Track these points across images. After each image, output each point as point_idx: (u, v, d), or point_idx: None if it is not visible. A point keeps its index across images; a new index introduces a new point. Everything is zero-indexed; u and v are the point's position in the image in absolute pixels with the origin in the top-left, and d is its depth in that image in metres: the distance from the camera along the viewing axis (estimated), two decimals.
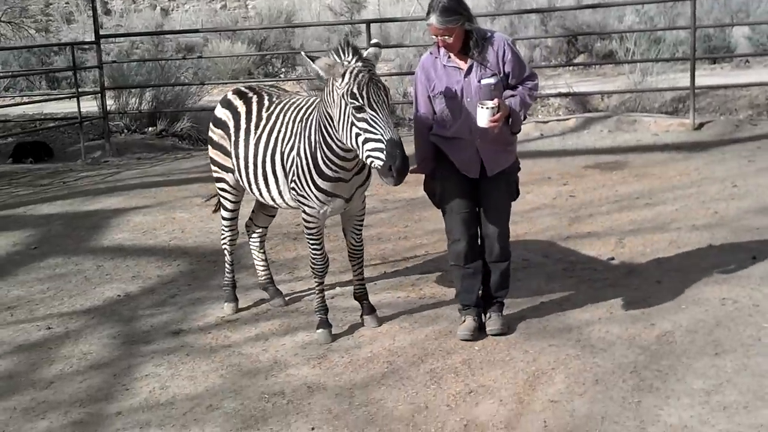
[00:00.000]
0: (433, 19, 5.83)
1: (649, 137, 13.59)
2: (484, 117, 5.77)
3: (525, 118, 6.38)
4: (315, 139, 6.02)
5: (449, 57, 6.06)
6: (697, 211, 9.12)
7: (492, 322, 6.30)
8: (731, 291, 6.77)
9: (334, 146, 5.89)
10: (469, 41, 5.98)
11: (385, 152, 5.41)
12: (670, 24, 23.79)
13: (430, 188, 6.40)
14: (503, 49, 6.02)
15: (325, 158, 5.98)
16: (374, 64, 5.70)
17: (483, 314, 6.39)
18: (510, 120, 6.03)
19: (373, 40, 6.25)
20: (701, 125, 13.78)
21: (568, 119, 15.07)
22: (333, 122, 5.76)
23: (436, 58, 6.12)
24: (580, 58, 22.99)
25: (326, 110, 5.81)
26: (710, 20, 23.87)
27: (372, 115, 5.46)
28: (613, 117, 14.68)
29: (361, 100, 5.45)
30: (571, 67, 21.63)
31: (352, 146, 5.63)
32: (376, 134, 5.45)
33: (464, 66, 6.03)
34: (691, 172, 10.99)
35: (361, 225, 6.67)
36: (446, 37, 5.88)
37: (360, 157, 5.65)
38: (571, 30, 22.93)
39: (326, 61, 5.59)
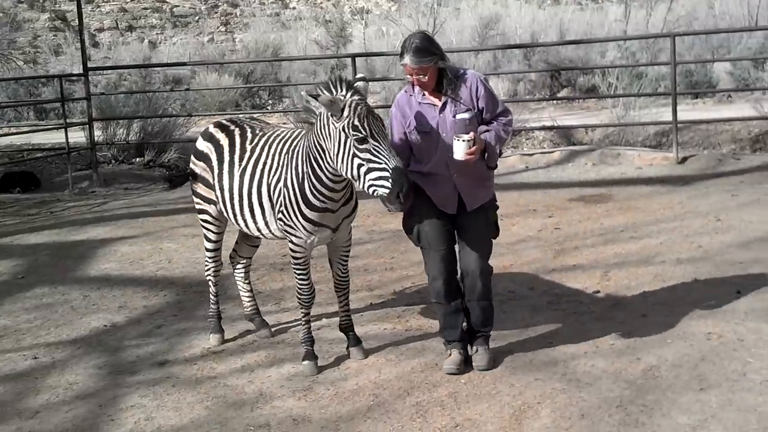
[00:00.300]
0: (408, 59, 5.94)
1: (633, 171, 13.69)
2: (460, 150, 5.82)
3: (501, 153, 6.43)
4: (303, 170, 6.07)
5: (424, 94, 6.14)
6: (681, 244, 9.18)
7: (478, 358, 6.29)
8: (716, 325, 6.80)
9: (324, 177, 5.96)
10: (442, 79, 6.07)
11: (390, 180, 5.53)
12: (653, 59, 24.02)
13: (408, 226, 6.39)
14: (476, 85, 6.12)
15: (313, 189, 6.04)
16: (366, 96, 5.84)
17: (468, 347, 6.39)
18: (486, 154, 6.07)
19: (359, 75, 6.31)
20: (684, 159, 13.89)
21: (552, 152, 15.18)
22: (326, 155, 5.85)
23: (411, 95, 6.20)
24: (563, 93, 23.16)
25: (318, 143, 5.88)
26: (691, 56, 24.16)
27: (375, 145, 5.61)
28: (597, 150, 14.80)
29: (363, 132, 5.60)
30: (554, 101, 21.78)
31: (353, 177, 5.71)
32: (381, 164, 5.58)
33: (438, 102, 6.12)
34: (675, 206, 11.06)
35: (347, 256, 6.70)
36: (420, 75, 5.98)
37: (360, 187, 5.74)
38: (554, 65, 23.12)
39: (329, 98, 5.67)
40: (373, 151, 5.59)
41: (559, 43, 22.47)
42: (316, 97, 5.77)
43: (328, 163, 5.87)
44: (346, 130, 5.63)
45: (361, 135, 5.59)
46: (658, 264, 8.54)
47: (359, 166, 5.64)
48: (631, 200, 11.61)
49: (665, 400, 5.59)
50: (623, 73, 19.99)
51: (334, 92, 5.74)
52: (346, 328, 6.75)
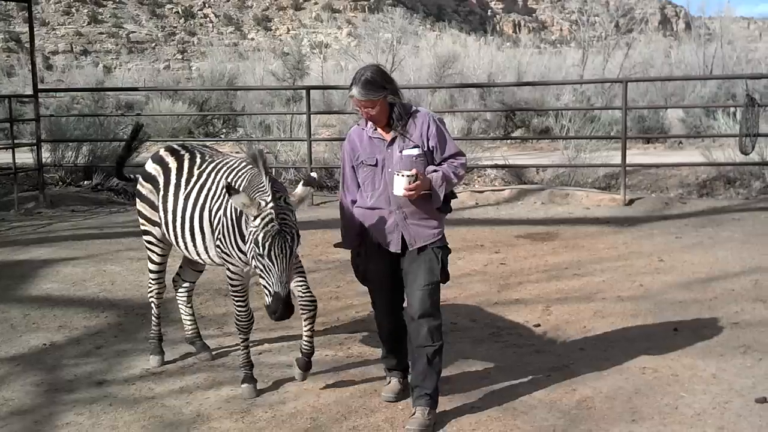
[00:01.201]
0: (355, 91, 5.86)
1: (581, 211, 13.87)
2: (400, 185, 5.69)
3: (454, 195, 6.29)
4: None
5: (375, 129, 6.05)
6: (623, 283, 9.30)
7: (412, 421, 5.81)
8: (652, 361, 6.91)
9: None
10: (392, 114, 5.96)
11: (270, 301, 5.62)
12: (608, 104, 24.34)
13: (355, 264, 6.36)
14: (428, 123, 5.97)
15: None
16: (294, 208, 5.84)
17: (407, 376, 6.29)
18: (432, 194, 5.92)
19: (313, 173, 6.24)
20: (632, 201, 14.11)
21: (503, 190, 15.35)
22: (243, 234, 5.98)
23: (362, 129, 6.12)
24: (517, 133, 23.41)
25: (243, 215, 5.94)
26: (645, 102, 24.48)
27: (268, 265, 5.61)
28: (547, 190, 14.99)
29: (261, 250, 5.59)
30: (508, 141, 21.99)
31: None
32: (268, 281, 5.63)
33: (388, 137, 5.99)
34: (620, 246, 11.20)
35: (303, 276, 6.54)
36: (369, 109, 5.89)
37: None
38: (509, 105, 23.36)
39: (243, 200, 5.64)
40: (264, 269, 5.63)
41: (515, 84, 22.75)
42: (231, 191, 5.67)
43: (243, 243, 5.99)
44: (251, 237, 5.67)
45: (258, 251, 5.60)
46: (599, 300, 8.65)
47: (255, 267, 5.73)
48: (578, 239, 11.74)
49: (597, 430, 5.67)
50: (576, 116, 20.28)
51: (259, 195, 5.74)
52: (306, 353, 6.51)
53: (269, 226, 5.55)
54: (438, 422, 5.86)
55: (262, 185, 5.75)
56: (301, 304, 6.45)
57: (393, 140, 5.96)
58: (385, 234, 6.01)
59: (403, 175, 5.69)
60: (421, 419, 5.78)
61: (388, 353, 6.41)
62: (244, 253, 6.05)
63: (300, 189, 5.89)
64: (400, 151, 5.92)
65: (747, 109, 13.69)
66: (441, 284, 6.08)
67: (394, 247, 6.00)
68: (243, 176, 6.27)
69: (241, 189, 6.01)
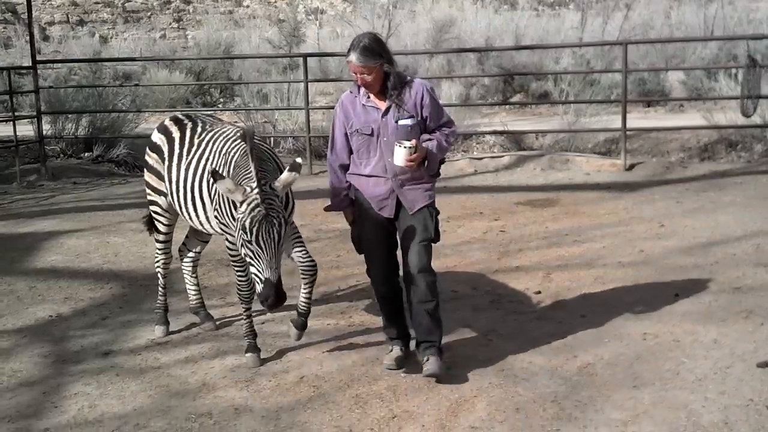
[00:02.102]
0: (353, 56, 5.97)
1: (581, 176, 13.88)
2: (401, 156, 5.86)
3: (443, 161, 6.46)
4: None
5: (368, 97, 6.16)
6: (623, 249, 9.33)
7: (429, 363, 6.07)
8: (653, 326, 6.95)
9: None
10: (387, 83, 6.09)
11: (261, 287, 5.63)
12: (607, 67, 24.20)
13: (352, 232, 6.51)
14: (422, 93, 6.13)
15: None
16: (280, 193, 5.82)
17: (416, 348, 6.36)
18: (426, 162, 6.08)
19: (298, 159, 6.15)
20: (632, 166, 14.11)
21: (502, 156, 15.33)
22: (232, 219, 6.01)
23: (355, 96, 6.22)
24: (516, 98, 23.29)
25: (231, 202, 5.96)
26: (645, 64, 24.36)
27: (257, 251, 5.62)
28: (547, 156, 14.97)
29: (249, 236, 5.60)
30: (507, 106, 21.91)
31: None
32: (258, 268, 5.64)
33: (382, 106, 6.12)
34: (620, 211, 11.23)
35: (301, 242, 6.66)
36: (365, 75, 6.00)
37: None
38: (507, 70, 23.26)
39: (228, 186, 5.65)
40: (253, 255, 5.64)
41: (514, 48, 22.54)
42: (216, 177, 5.68)
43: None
44: (238, 224, 5.69)
45: (246, 237, 5.61)
46: (600, 267, 8.69)
47: (245, 254, 5.72)
48: (578, 205, 11.77)
49: (599, 397, 5.71)
50: (576, 80, 20.18)
51: (245, 182, 5.78)
52: (302, 313, 6.62)
53: (255, 211, 5.56)
54: (439, 386, 5.95)
55: (248, 170, 5.78)
56: (301, 269, 6.57)
57: (387, 109, 6.08)
58: (380, 200, 6.19)
59: (404, 147, 5.82)
60: (435, 363, 6.05)
61: (387, 321, 6.49)
62: None
63: (285, 175, 5.86)
64: (396, 121, 6.05)
65: (748, 70, 13.65)
66: (434, 244, 6.30)
67: (388, 213, 6.20)
68: (238, 147, 6.27)
69: (232, 166, 6.11)
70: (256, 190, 5.60)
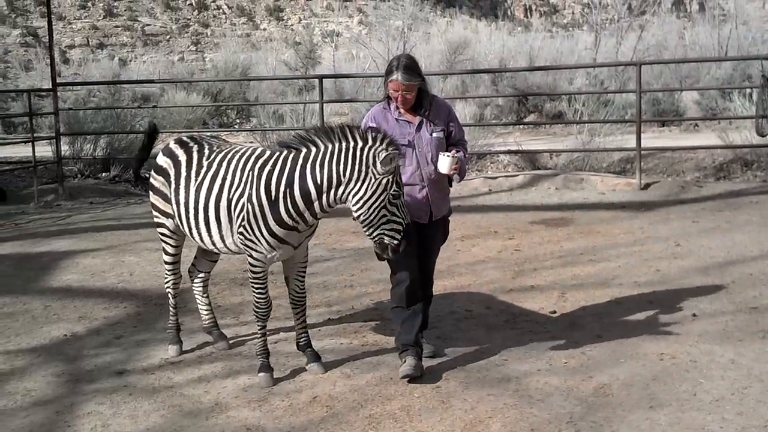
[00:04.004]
0: (399, 76, 6.36)
1: (596, 196, 13.84)
2: (447, 164, 6.37)
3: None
4: (282, 190, 6.15)
5: (400, 112, 6.53)
6: (639, 268, 9.29)
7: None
8: (669, 347, 6.90)
9: (316, 204, 6.16)
10: (421, 99, 6.52)
11: (402, 233, 6.05)
12: (622, 87, 24.22)
13: None
14: (448, 109, 6.81)
15: (290, 209, 6.16)
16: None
17: (421, 355, 6.53)
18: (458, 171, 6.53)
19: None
20: (647, 186, 14.06)
21: (516, 176, 15.31)
22: (338, 188, 6.08)
23: (385, 110, 6.57)
24: (530, 118, 23.32)
25: (338, 176, 6.05)
26: (659, 84, 24.37)
27: (401, 203, 6.09)
28: (561, 175, 14.94)
29: (400, 191, 6.06)
30: (521, 126, 21.95)
31: (369, 222, 6.04)
32: (399, 218, 6.05)
33: (414, 121, 6.54)
34: (636, 231, 11.19)
35: (305, 272, 6.82)
36: (406, 92, 6.40)
37: (368, 232, 6.10)
38: (521, 90, 23.30)
39: (391, 157, 5.92)
40: (399, 206, 6.04)
41: (527, 69, 22.63)
42: (393, 156, 5.94)
43: (337, 195, 6.10)
44: (387, 186, 5.96)
45: (399, 193, 6.01)
46: (616, 287, 8.64)
47: (383, 216, 6.01)
48: (593, 224, 11.73)
49: (615, 418, 5.67)
50: (590, 100, 20.18)
51: (376, 144, 6.00)
52: (304, 344, 6.84)
53: (398, 169, 6.05)
54: (453, 407, 5.91)
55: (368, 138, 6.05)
56: (296, 299, 6.83)
57: (420, 124, 6.53)
58: (416, 207, 6.56)
59: (451, 156, 6.38)
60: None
61: (402, 328, 6.56)
62: (274, 237, 6.24)
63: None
64: (431, 134, 6.57)
65: (763, 90, 13.64)
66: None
67: (424, 219, 6.64)
68: (264, 163, 6.32)
69: (263, 179, 6.26)
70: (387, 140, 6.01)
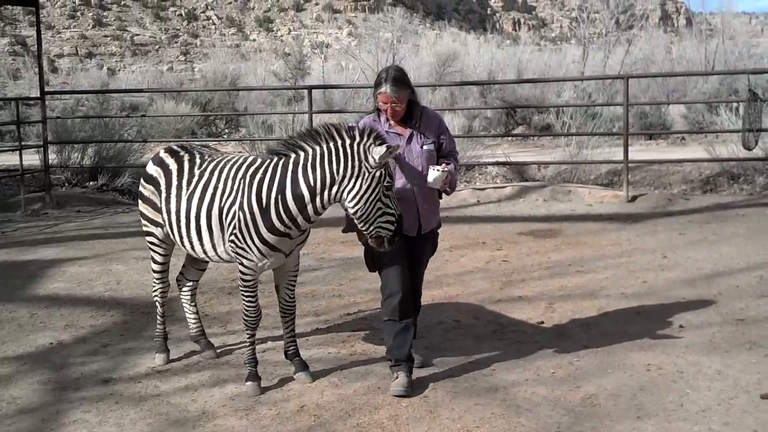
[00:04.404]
0: (387, 88, 6.32)
1: (583, 207, 13.89)
2: (438, 178, 6.35)
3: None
4: (274, 197, 6.18)
5: (390, 124, 6.50)
6: (626, 280, 9.31)
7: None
8: (656, 358, 6.91)
9: (310, 206, 6.18)
10: (412, 111, 6.50)
11: (396, 224, 6.13)
12: (609, 100, 24.32)
13: (366, 254, 6.68)
14: (439, 121, 6.73)
15: (282, 214, 6.18)
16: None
17: (412, 370, 6.50)
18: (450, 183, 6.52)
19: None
20: (635, 198, 14.11)
21: (504, 187, 15.36)
22: (333, 188, 6.11)
23: (376, 123, 6.51)
24: (518, 130, 23.39)
25: (331, 176, 6.09)
26: (646, 98, 24.48)
27: (393, 194, 6.16)
28: (549, 187, 14.99)
29: (392, 182, 6.15)
30: (509, 138, 21.99)
31: (365, 217, 6.08)
32: (392, 210, 6.12)
33: (404, 133, 6.50)
34: (623, 243, 11.22)
35: (295, 281, 6.81)
36: (395, 104, 6.37)
37: (364, 226, 6.12)
38: (509, 102, 23.37)
39: (389, 152, 5.99)
40: (392, 197, 6.12)
41: (516, 81, 22.69)
42: (388, 148, 6.01)
43: (331, 195, 6.13)
44: (381, 179, 6.03)
45: (391, 184, 6.10)
46: (603, 298, 8.66)
47: (379, 209, 6.08)
48: (580, 236, 11.76)
49: (602, 428, 5.68)
50: (578, 113, 20.25)
51: (364, 139, 6.05)
52: (292, 354, 6.83)
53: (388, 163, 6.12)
54: (441, 416, 5.90)
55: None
56: (286, 308, 6.82)
57: (411, 136, 6.49)
58: (406, 220, 6.42)
59: (441, 171, 6.36)
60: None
61: (395, 342, 6.49)
62: (266, 244, 6.25)
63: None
64: (421, 147, 6.45)
65: (749, 104, 13.69)
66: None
67: (413, 232, 6.58)
68: (256, 170, 6.34)
69: (255, 185, 6.30)
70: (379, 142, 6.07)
